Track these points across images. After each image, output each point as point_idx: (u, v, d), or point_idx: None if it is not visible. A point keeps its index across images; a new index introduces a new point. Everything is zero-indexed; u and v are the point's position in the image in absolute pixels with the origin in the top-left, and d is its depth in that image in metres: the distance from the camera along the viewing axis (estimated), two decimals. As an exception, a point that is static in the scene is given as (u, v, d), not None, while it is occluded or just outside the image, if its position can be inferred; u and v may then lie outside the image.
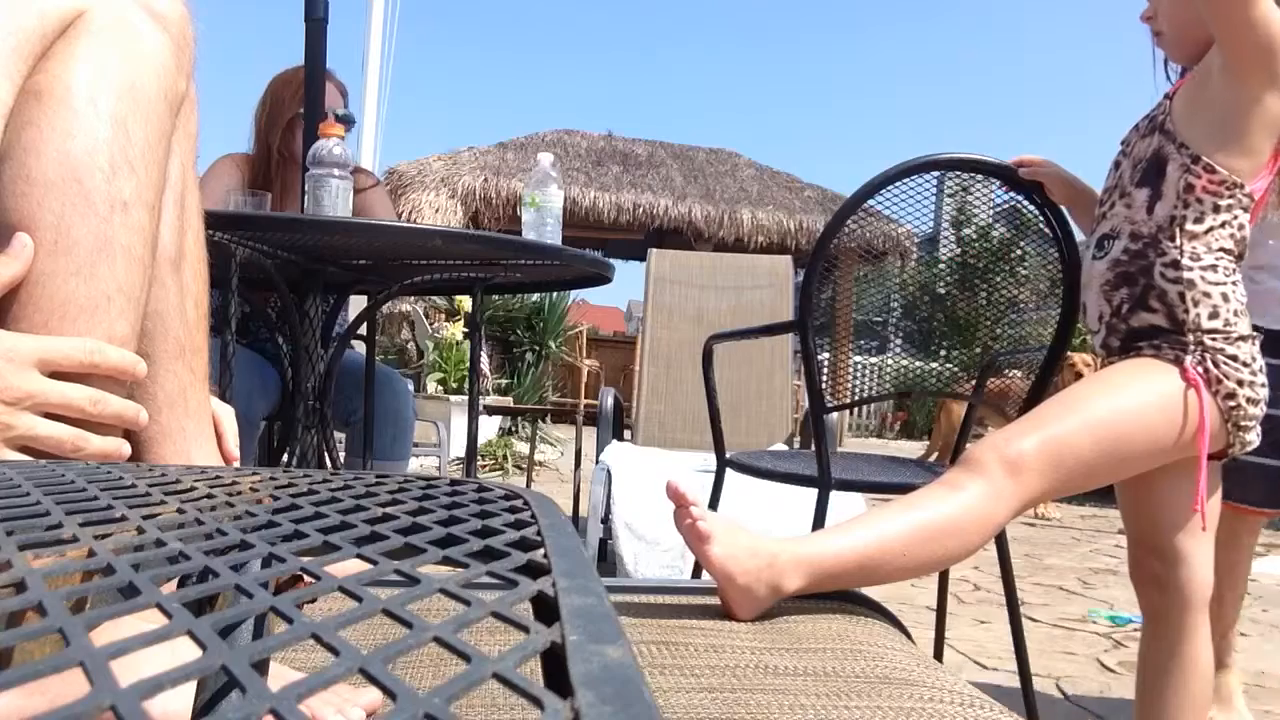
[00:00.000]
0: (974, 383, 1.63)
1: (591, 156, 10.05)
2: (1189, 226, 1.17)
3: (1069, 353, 1.46)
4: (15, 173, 0.65)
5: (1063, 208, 1.43)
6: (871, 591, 1.09)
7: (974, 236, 1.97)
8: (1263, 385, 1.16)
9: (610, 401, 2.89)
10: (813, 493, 1.45)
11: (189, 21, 0.76)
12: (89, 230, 0.66)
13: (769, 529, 2.28)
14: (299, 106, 2.06)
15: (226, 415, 0.89)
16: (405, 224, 1.62)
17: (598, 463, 2.60)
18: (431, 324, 6.26)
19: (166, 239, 0.80)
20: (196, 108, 0.85)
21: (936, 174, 1.46)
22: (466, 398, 2.29)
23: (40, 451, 0.62)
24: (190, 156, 0.84)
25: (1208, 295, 1.15)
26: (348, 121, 2.03)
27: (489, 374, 6.58)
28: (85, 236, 0.66)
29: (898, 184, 1.44)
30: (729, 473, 1.72)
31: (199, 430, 0.82)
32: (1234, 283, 1.17)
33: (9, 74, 0.65)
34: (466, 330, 5.98)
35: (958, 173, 1.48)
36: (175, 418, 0.80)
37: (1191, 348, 1.15)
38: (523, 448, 5.61)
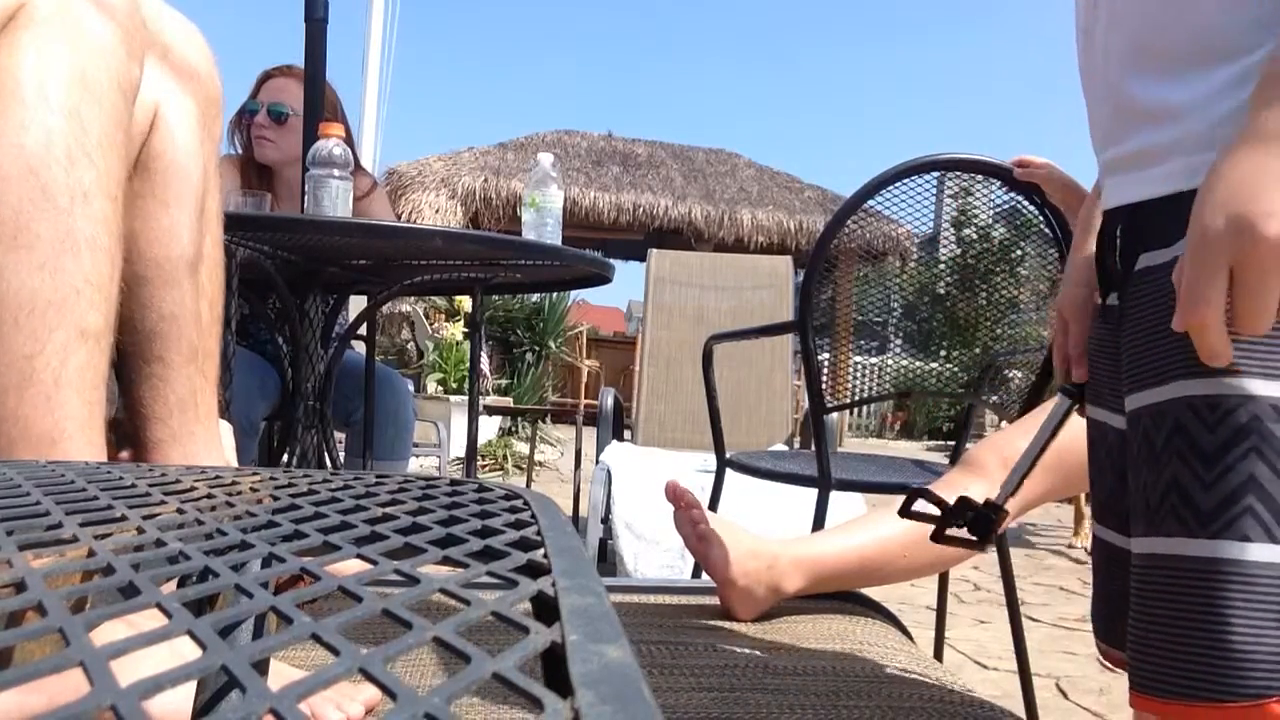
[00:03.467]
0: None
1: (591, 157, 10.04)
2: None
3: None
4: None
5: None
6: (871, 591, 1.09)
7: (974, 237, 1.97)
8: None
9: (610, 401, 2.89)
10: (813, 493, 1.45)
11: (137, 8, 0.75)
12: (50, 224, 0.65)
13: (769, 529, 2.28)
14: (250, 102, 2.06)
15: (225, 431, 0.89)
16: (405, 224, 1.62)
17: (598, 463, 2.60)
18: (431, 324, 6.26)
19: (185, 241, 0.79)
20: (222, 112, 0.85)
21: (937, 174, 1.46)
22: (466, 398, 2.29)
23: None
24: (213, 160, 0.84)
25: None
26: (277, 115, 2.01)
27: (489, 374, 6.57)
28: (47, 230, 0.65)
29: (898, 184, 1.44)
30: (729, 473, 1.72)
31: (207, 433, 0.82)
32: None
33: None
34: (466, 330, 5.97)
35: (958, 173, 1.48)
36: (185, 422, 0.80)
37: None
38: (523, 448, 5.61)
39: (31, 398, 0.64)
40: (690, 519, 0.96)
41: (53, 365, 0.65)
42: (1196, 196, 0.54)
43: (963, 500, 0.77)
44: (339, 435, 2.16)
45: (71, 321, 0.66)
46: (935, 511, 0.79)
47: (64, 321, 0.65)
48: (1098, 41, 0.67)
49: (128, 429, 0.79)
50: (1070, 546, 4.53)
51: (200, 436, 0.81)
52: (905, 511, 0.80)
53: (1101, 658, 0.72)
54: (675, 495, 0.98)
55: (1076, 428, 1.12)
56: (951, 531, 0.80)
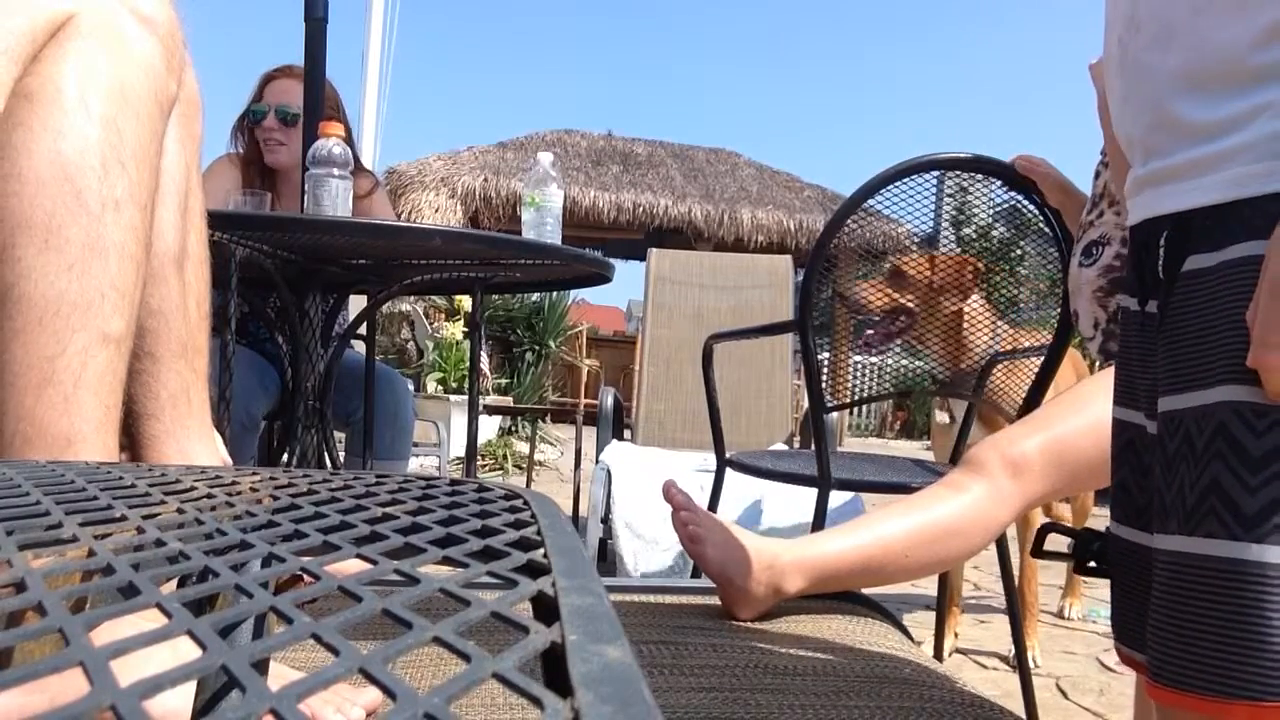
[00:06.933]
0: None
1: (591, 156, 10.04)
2: None
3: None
4: (7, 172, 0.65)
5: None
6: (871, 591, 1.09)
7: (974, 236, 1.97)
8: None
9: (610, 401, 2.89)
10: (813, 493, 1.45)
11: (177, 25, 0.77)
12: (81, 229, 0.66)
13: (769, 529, 2.28)
14: (253, 104, 2.06)
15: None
16: (405, 224, 1.62)
17: (598, 462, 2.60)
18: (431, 324, 6.26)
19: (169, 238, 0.80)
20: (201, 111, 0.86)
21: (936, 173, 1.46)
22: (466, 397, 2.29)
23: None
24: (195, 158, 0.85)
25: None
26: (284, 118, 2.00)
27: (489, 374, 6.57)
28: (77, 235, 0.66)
29: (897, 183, 1.44)
30: (729, 473, 1.72)
31: (200, 428, 0.83)
32: None
33: None
34: (466, 330, 5.97)
35: (957, 172, 1.48)
36: (178, 416, 0.80)
37: None
38: (523, 448, 5.61)
39: (50, 398, 0.65)
40: (681, 520, 0.96)
41: (73, 367, 0.66)
42: (1271, 243, 0.56)
43: (1088, 531, 0.78)
44: (339, 435, 2.16)
45: (95, 325, 0.67)
46: (1064, 548, 0.80)
47: (87, 324, 0.67)
48: (1139, 57, 0.67)
49: (122, 428, 0.80)
50: None
51: (194, 431, 0.82)
52: (1037, 551, 0.82)
53: (1121, 661, 0.72)
54: (672, 498, 0.98)
55: (1082, 428, 1.12)
56: (1049, 548, 0.81)
